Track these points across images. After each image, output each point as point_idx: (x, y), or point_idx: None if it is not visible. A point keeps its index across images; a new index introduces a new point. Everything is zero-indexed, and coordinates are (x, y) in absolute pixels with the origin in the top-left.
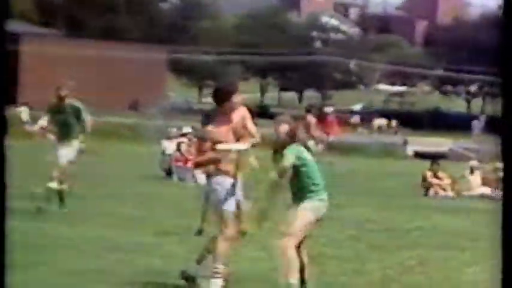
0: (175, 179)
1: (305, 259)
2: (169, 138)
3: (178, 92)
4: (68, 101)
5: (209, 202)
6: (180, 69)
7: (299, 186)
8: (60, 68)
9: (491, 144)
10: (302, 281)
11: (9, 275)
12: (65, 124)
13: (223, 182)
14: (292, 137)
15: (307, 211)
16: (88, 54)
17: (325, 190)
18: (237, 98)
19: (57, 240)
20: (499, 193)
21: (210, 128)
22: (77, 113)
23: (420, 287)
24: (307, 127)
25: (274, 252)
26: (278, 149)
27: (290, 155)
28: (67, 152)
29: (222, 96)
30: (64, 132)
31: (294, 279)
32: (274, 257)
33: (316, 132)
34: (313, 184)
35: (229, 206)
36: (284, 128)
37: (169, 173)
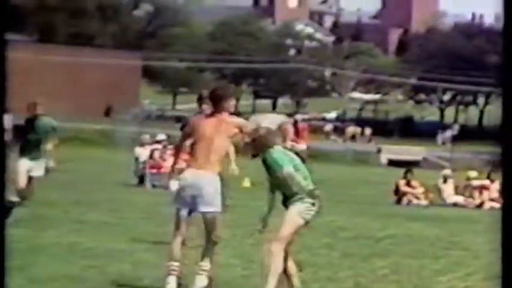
0: (148, 186)
1: (292, 268)
2: (142, 145)
3: (152, 98)
4: (44, 117)
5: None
6: (154, 76)
7: (289, 190)
8: (32, 75)
9: (464, 153)
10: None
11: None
12: (37, 140)
13: (213, 182)
14: (269, 141)
15: (296, 215)
16: (61, 61)
17: (311, 189)
18: (230, 103)
19: (29, 246)
20: (471, 202)
21: (195, 119)
22: (53, 130)
23: None
24: (285, 135)
25: (247, 259)
26: (255, 152)
27: (282, 160)
28: (36, 169)
29: (217, 98)
30: (36, 149)
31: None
32: (247, 263)
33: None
34: (303, 187)
35: (218, 207)
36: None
37: (142, 180)
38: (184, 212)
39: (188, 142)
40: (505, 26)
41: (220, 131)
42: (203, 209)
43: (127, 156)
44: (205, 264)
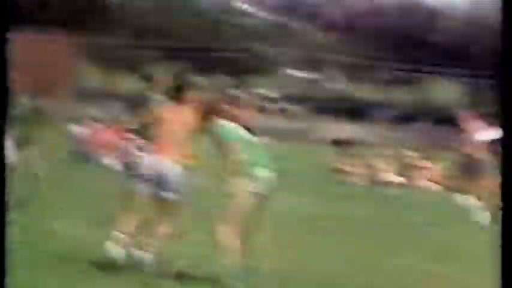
0: (86, 163)
1: (237, 244)
2: (78, 122)
3: (90, 76)
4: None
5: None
6: (92, 54)
7: (236, 163)
8: None
9: (399, 132)
10: (250, 268)
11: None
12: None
13: (172, 170)
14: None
15: (244, 191)
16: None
17: (264, 167)
18: (192, 94)
19: None
20: (409, 181)
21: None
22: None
23: (339, 273)
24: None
25: (195, 242)
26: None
27: (229, 133)
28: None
29: (180, 89)
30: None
31: (232, 264)
32: (204, 248)
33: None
34: (251, 160)
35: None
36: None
37: (80, 157)
38: (144, 191)
39: (144, 126)
40: (504, 26)
41: (182, 121)
42: (167, 195)
43: (64, 133)
44: (153, 242)
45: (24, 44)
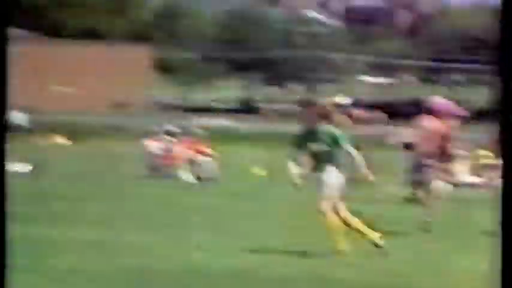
0: (161, 177)
1: None
2: (153, 136)
3: (162, 90)
4: None
5: None
6: (163, 67)
7: None
8: (43, 70)
9: (472, 132)
10: None
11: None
12: None
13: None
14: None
15: None
16: (70, 55)
17: None
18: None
19: (42, 241)
20: (486, 180)
21: None
22: None
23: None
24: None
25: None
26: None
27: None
28: None
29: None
30: None
31: None
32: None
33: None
34: None
35: None
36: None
37: (154, 171)
38: None
39: None
40: (503, 15)
41: None
42: None
43: (139, 148)
44: None
45: (96, 55)
